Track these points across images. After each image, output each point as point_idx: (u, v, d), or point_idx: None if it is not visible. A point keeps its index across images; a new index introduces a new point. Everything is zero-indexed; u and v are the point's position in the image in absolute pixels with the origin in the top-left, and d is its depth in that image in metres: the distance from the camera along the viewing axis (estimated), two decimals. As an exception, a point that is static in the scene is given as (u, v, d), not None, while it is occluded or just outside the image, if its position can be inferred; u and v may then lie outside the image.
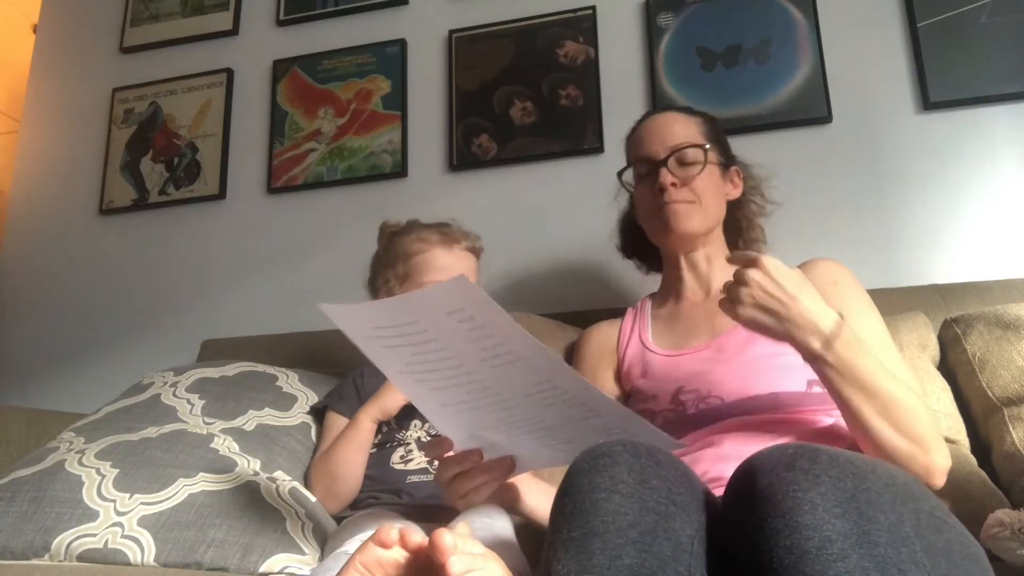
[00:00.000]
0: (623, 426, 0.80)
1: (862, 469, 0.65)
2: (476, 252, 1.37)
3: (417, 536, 0.69)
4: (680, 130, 1.23)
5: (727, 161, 1.28)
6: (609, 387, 1.26)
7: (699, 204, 1.20)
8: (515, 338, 0.71)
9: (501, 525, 1.03)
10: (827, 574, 0.57)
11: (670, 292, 1.30)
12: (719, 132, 1.29)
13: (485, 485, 0.88)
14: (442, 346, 0.73)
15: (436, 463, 0.96)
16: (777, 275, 0.90)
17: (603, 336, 1.32)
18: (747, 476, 0.67)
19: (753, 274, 0.90)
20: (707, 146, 1.21)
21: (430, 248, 1.30)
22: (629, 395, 1.22)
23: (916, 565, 0.59)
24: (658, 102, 1.83)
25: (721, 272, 1.25)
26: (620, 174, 1.31)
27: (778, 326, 0.91)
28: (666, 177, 1.19)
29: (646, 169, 1.24)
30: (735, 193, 1.29)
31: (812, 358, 0.93)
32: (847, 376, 0.92)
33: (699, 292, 1.26)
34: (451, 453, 0.88)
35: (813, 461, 0.64)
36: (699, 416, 1.08)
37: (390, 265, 1.32)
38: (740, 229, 1.34)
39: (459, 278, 0.67)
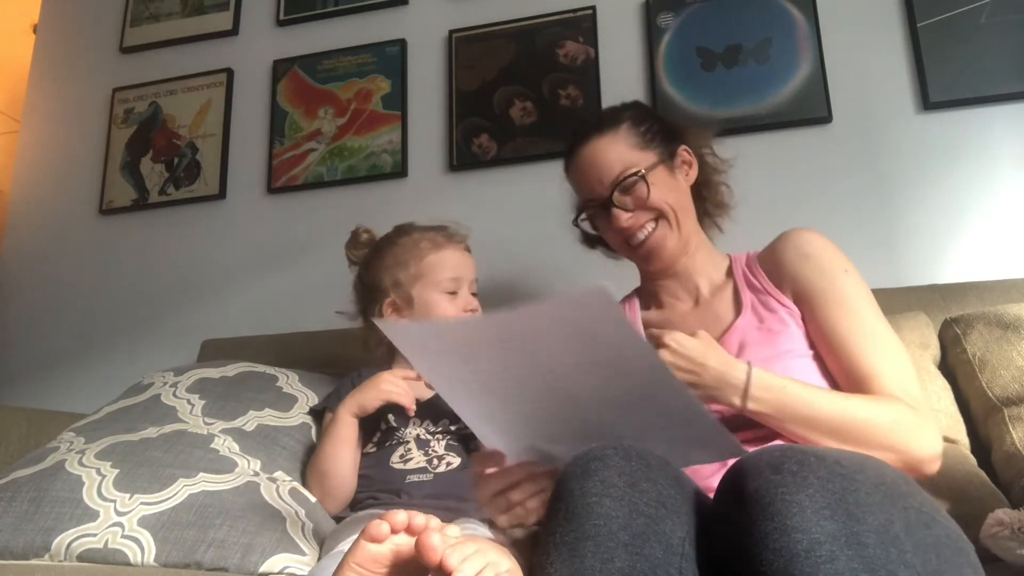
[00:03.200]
0: (702, 436, 0.78)
1: (850, 470, 0.65)
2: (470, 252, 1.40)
3: (402, 516, 0.67)
4: (612, 156, 1.15)
5: (670, 148, 1.19)
6: None
7: (664, 218, 1.15)
8: (631, 349, 0.69)
9: (482, 531, 1.04)
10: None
11: (656, 296, 1.25)
12: (650, 122, 1.20)
13: (535, 496, 0.84)
14: (538, 356, 0.71)
15: (475, 476, 0.89)
16: (682, 350, 0.96)
17: None
18: (736, 479, 0.67)
19: (663, 355, 0.95)
20: (641, 171, 1.14)
21: (442, 247, 1.32)
22: None
23: (905, 565, 0.59)
24: (658, 102, 1.83)
25: (703, 266, 1.21)
26: (576, 221, 1.26)
27: (700, 393, 0.95)
28: (620, 218, 1.15)
29: (597, 212, 1.20)
30: (693, 173, 1.22)
31: (740, 411, 0.96)
32: (780, 415, 0.95)
33: (687, 298, 1.21)
34: (494, 469, 0.85)
35: (801, 463, 0.64)
36: None
37: (399, 266, 1.32)
38: (704, 198, 1.27)
39: (601, 288, 0.62)
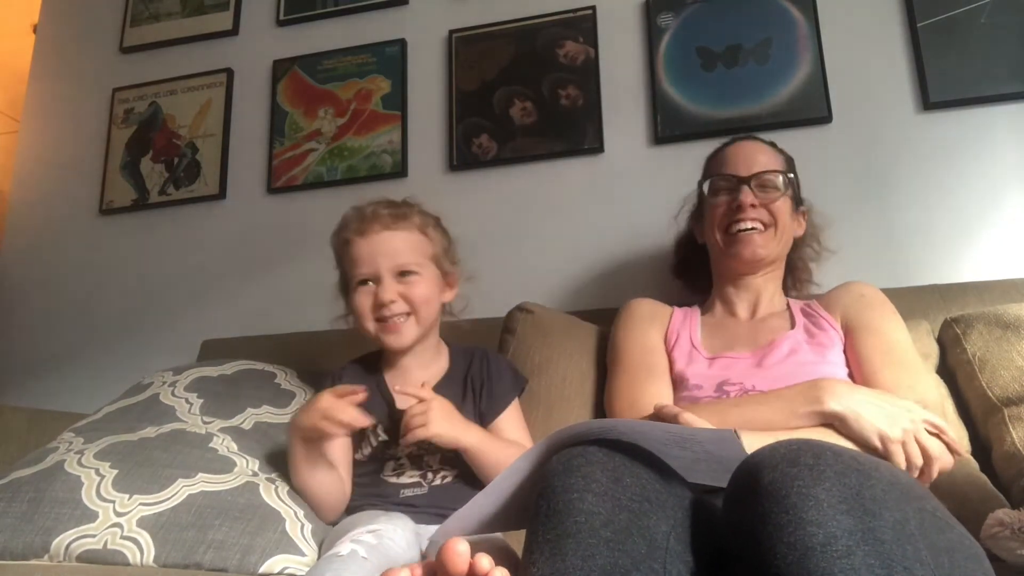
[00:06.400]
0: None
1: (866, 466, 0.65)
2: (405, 225, 1.22)
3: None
4: (765, 159, 1.31)
5: (798, 199, 1.36)
6: (658, 342, 1.30)
7: (774, 228, 1.28)
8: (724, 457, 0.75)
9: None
10: (832, 570, 0.57)
11: (718, 305, 1.37)
12: (795, 171, 1.36)
13: None
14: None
15: None
16: None
17: (656, 307, 1.38)
18: (750, 471, 0.66)
19: None
20: (791, 175, 1.31)
21: (350, 238, 1.21)
22: (673, 382, 1.26)
23: (921, 563, 0.59)
24: (658, 102, 1.83)
25: (770, 298, 1.33)
26: (701, 184, 1.37)
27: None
28: (747, 196, 1.26)
29: (726, 185, 1.31)
30: (800, 231, 1.37)
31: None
32: None
33: (747, 311, 1.34)
34: None
35: (817, 457, 0.64)
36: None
37: (338, 267, 1.25)
38: (793, 268, 1.42)
39: (732, 437, 0.73)
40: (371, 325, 1.19)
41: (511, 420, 1.24)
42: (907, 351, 1.16)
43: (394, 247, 1.19)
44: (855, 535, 0.58)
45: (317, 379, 1.43)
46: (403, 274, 1.19)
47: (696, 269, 1.45)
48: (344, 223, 1.24)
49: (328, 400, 1.06)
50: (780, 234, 1.29)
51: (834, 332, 1.22)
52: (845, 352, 1.20)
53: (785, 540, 0.59)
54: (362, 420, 1.07)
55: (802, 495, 0.61)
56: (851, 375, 1.17)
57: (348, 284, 1.23)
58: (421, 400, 1.10)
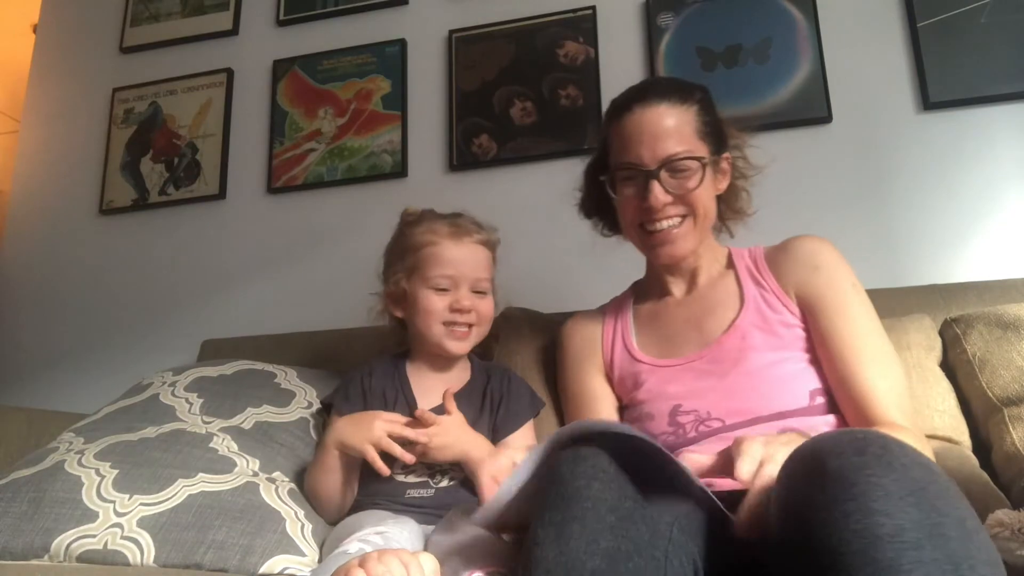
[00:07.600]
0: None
1: (927, 462, 0.65)
2: (489, 245, 1.29)
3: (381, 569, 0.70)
4: (674, 131, 1.09)
5: (719, 151, 1.16)
6: (597, 385, 1.23)
7: (693, 218, 1.12)
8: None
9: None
10: (900, 561, 0.56)
11: (653, 286, 1.26)
12: (713, 116, 1.16)
13: None
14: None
15: None
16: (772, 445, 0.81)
17: (586, 331, 1.28)
18: (812, 457, 0.65)
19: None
20: (705, 159, 1.10)
21: (439, 241, 1.24)
22: (625, 407, 1.20)
23: (983, 563, 0.58)
24: (658, 102, 1.83)
25: (708, 263, 1.21)
26: (593, 170, 1.22)
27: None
28: (658, 193, 1.09)
29: (631, 175, 1.13)
30: (724, 184, 1.18)
31: None
32: None
33: (682, 285, 1.22)
34: None
35: (884, 448, 0.63)
36: (700, 439, 1.06)
37: (400, 257, 1.26)
38: (721, 200, 1.21)
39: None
40: (438, 328, 1.23)
41: (523, 439, 1.24)
42: (878, 335, 1.07)
43: (479, 262, 1.25)
44: (923, 529, 0.58)
45: (318, 378, 1.43)
46: (477, 290, 1.25)
47: (612, 210, 1.23)
48: (427, 224, 1.26)
49: (382, 428, 1.11)
50: (702, 220, 1.13)
51: (790, 315, 1.11)
52: (807, 329, 1.10)
53: (851, 527, 0.58)
54: (409, 459, 1.11)
55: (871, 484, 0.60)
56: (814, 360, 1.08)
57: (416, 282, 1.24)
58: (431, 424, 1.13)
